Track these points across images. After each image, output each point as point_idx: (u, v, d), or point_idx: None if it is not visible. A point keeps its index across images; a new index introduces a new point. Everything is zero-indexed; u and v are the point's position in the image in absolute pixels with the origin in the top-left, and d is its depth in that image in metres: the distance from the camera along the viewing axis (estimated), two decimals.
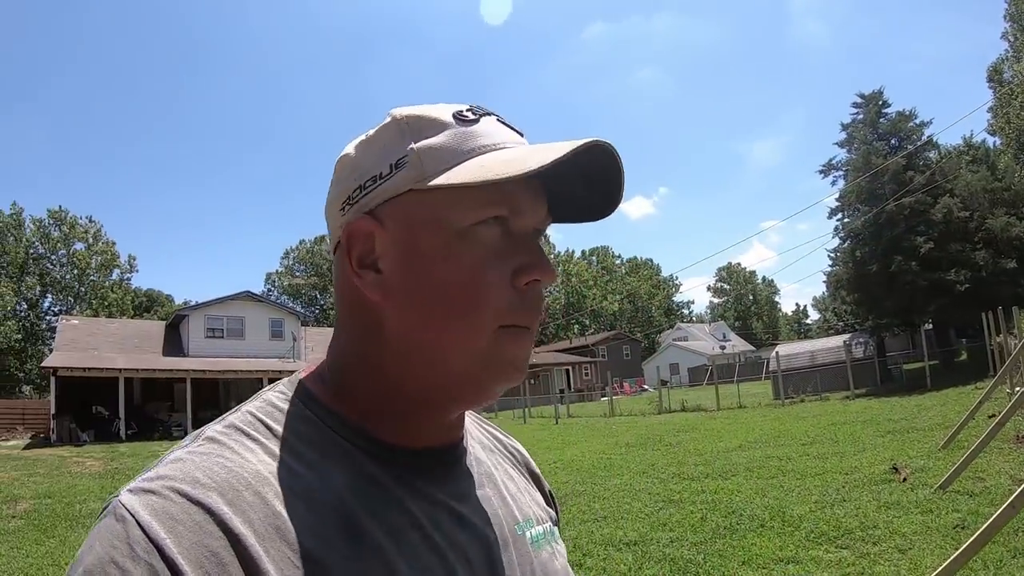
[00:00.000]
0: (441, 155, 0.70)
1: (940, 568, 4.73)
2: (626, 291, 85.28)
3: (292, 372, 0.80)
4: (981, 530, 4.73)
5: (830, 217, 33.30)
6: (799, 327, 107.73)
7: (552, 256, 79.33)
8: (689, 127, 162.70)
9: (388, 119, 0.75)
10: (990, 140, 43.20)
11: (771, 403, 25.73)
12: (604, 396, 43.40)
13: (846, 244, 31.78)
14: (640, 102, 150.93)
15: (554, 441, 18.91)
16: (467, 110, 0.74)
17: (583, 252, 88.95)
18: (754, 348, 78.08)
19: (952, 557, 4.72)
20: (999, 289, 25.88)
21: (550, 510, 0.96)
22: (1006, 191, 30.47)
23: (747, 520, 7.43)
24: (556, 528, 0.92)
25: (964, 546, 4.71)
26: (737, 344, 77.74)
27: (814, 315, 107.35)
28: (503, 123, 0.75)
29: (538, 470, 1.02)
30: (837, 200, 32.45)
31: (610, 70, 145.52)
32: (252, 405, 0.74)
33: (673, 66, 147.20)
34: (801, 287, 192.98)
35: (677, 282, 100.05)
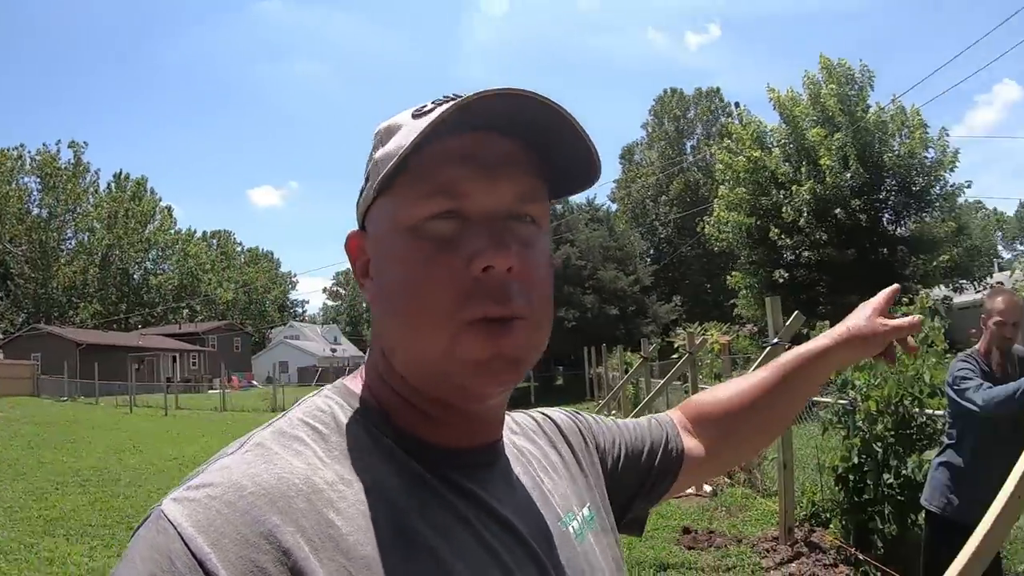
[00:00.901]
0: (388, 157, 0.70)
1: None
2: (243, 281, 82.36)
3: None
4: None
5: None
6: None
7: (173, 233, 74.67)
8: (333, 128, 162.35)
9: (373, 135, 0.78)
10: (611, 206, 49.63)
11: None
12: (213, 388, 41.88)
13: None
14: (293, 91, 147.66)
15: (168, 435, 18.12)
16: (431, 102, 0.73)
17: (204, 233, 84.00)
18: (363, 354, 78.63)
19: None
20: (601, 329, 30.77)
21: (588, 471, 0.95)
22: (619, 250, 35.96)
23: None
24: (589, 511, 0.89)
25: None
26: (348, 349, 79.18)
27: None
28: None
29: (570, 422, 1.01)
30: None
31: (279, 52, 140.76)
32: (299, 410, 0.73)
33: (339, 65, 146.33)
34: None
35: (295, 279, 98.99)
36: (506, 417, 0.86)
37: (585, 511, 0.87)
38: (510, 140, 0.70)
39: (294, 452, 0.65)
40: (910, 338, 1.15)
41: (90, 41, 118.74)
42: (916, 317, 1.17)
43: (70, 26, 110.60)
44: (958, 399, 3.59)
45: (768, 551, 5.99)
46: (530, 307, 0.69)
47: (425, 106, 0.72)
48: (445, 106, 0.67)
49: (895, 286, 1.24)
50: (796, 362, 1.13)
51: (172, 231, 74.50)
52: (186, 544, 0.55)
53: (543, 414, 1.00)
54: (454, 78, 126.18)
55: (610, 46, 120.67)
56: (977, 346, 3.81)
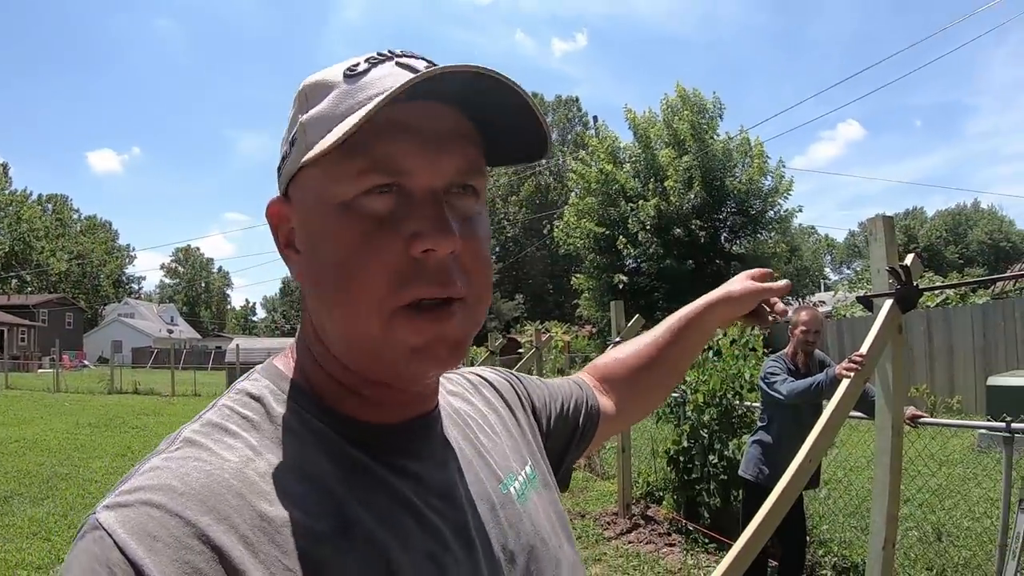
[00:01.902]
0: (320, 123, 0.65)
1: None
2: (78, 251, 75.94)
3: None
4: None
5: None
6: (246, 322, 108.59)
7: (7, 195, 67.72)
8: (184, 95, 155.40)
9: (297, 90, 0.71)
10: None
11: None
12: (42, 368, 39.39)
13: None
14: (146, 49, 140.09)
15: (4, 417, 16.81)
16: (365, 60, 0.68)
17: (39, 196, 75.19)
18: (200, 336, 76.25)
19: None
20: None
21: (526, 429, 0.95)
22: None
23: None
24: (531, 469, 0.89)
25: None
26: (184, 330, 76.01)
27: (262, 313, 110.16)
28: (404, 65, 0.66)
29: (504, 381, 1.01)
30: None
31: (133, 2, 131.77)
32: (227, 397, 0.70)
33: (195, 28, 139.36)
34: (250, 285, 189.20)
35: (133, 253, 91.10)
36: (440, 378, 0.83)
37: (528, 469, 0.87)
38: (450, 109, 0.66)
39: (225, 445, 0.64)
40: (779, 303, 1.25)
41: None
42: (785, 281, 1.28)
43: None
44: (768, 390, 4.57)
45: (609, 524, 6.76)
46: (469, 287, 0.66)
47: (358, 64, 0.67)
48: (389, 70, 0.66)
49: (787, 281, 1.29)
50: (682, 322, 1.25)
51: (6, 192, 68.40)
52: (122, 551, 0.54)
53: (477, 375, 0.99)
54: (316, 53, 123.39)
55: (477, 42, 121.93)
56: (786, 350, 4.79)
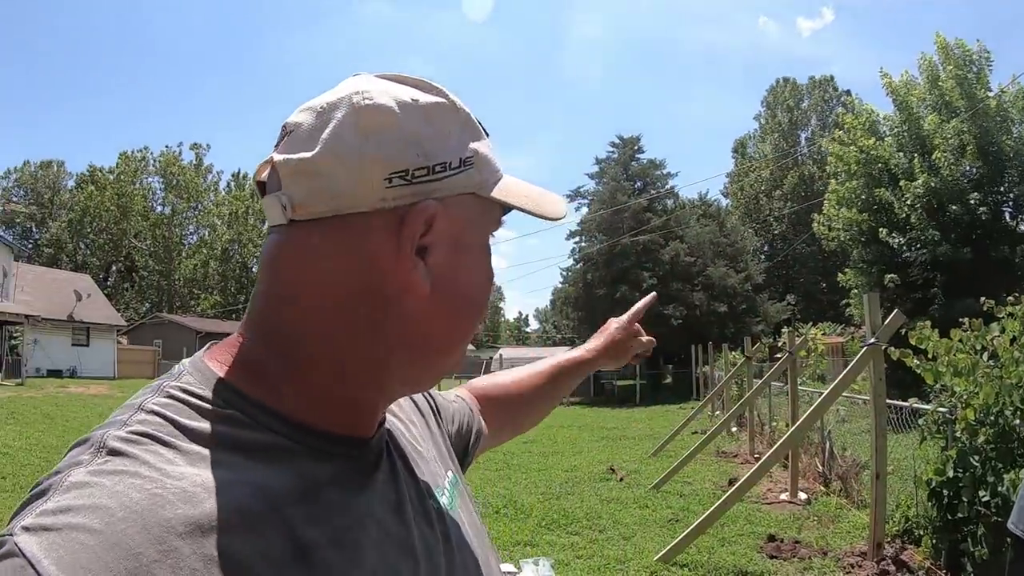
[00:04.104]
0: (488, 166, 0.70)
1: (664, 551, 5.57)
2: None
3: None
4: (699, 521, 5.77)
5: (568, 239, 36.26)
6: (519, 334, 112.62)
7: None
8: None
9: (439, 97, 0.69)
10: (723, 201, 48.70)
11: None
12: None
13: (579, 266, 35.25)
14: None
15: None
16: (468, 113, 0.73)
17: None
18: (474, 348, 79.78)
19: (674, 543, 5.59)
20: (709, 327, 30.41)
21: (438, 437, 0.95)
22: (729, 247, 35.16)
23: (483, 507, 7.80)
24: (452, 475, 0.89)
25: (685, 533, 5.64)
26: None
27: (535, 324, 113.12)
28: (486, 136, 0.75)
29: (419, 395, 0.99)
30: (578, 224, 35.78)
31: (384, 52, 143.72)
32: (155, 401, 0.61)
33: (443, 63, 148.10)
34: (522, 296, 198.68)
35: None
36: None
37: (450, 476, 0.87)
38: None
39: (162, 459, 0.55)
40: (636, 357, 1.43)
41: (207, 47, 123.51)
42: (650, 339, 1.44)
43: (188, 36, 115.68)
44: None
45: (853, 566, 5.64)
46: None
47: (471, 117, 0.71)
48: (488, 144, 0.72)
49: (653, 294, 1.52)
50: (568, 364, 1.35)
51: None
52: None
53: None
54: (561, 73, 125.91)
55: (719, 38, 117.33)
56: None
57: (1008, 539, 4.35)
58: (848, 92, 43.54)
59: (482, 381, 1.27)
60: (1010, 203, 22.24)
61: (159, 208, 68.43)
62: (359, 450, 0.69)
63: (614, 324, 1.42)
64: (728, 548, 6.26)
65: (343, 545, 0.61)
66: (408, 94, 0.66)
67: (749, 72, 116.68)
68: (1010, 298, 5.23)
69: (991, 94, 21.57)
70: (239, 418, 0.61)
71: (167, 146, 69.81)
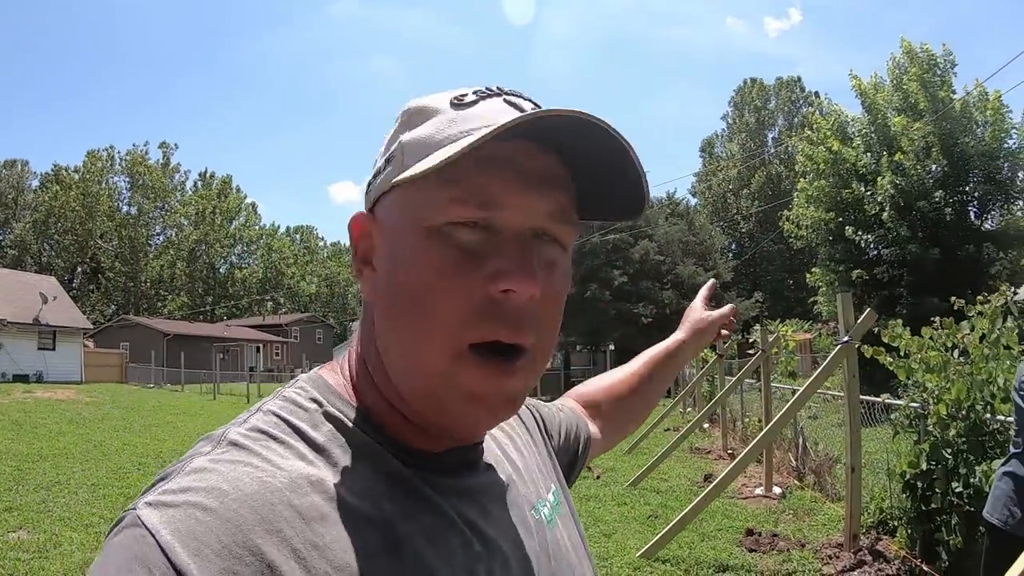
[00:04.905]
0: (418, 147, 0.65)
1: (646, 547, 5.67)
2: (326, 274, 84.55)
3: None
4: (679, 517, 5.89)
5: None
6: None
7: (258, 229, 77.15)
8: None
9: (408, 106, 0.71)
10: (692, 200, 49.20)
11: None
12: (294, 377, 43.23)
13: None
14: (369, 88, 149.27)
15: None
16: (473, 92, 0.68)
17: (288, 228, 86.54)
18: None
19: (655, 539, 5.69)
20: (679, 325, 30.05)
21: (543, 450, 0.95)
22: (698, 245, 35.51)
23: None
24: (555, 490, 0.88)
25: (666, 529, 5.73)
26: None
27: None
28: (511, 103, 0.67)
29: (539, 409, 1.03)
30: None
31: (354, 49, 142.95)
32: (273, 404, 0.67)
33: (411, 61, 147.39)
34: None
35: None
36: None
37: (553, 491, 0.87)
38: (548, 153, 0.64)
39: (275, 453, 0.61)
40: (724, 330, 1.44)
41: (177, 47, 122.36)
42: (731, 307, 1.47)
43: (156, 34, 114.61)
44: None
45: (831, 557, 5.78)
46: (538, 339, 0.65)
47: (465, 95, 0.67)
48: (497, 106, 0.66)
49: (713, 280, 1.52)
50: (661, 355, 1.34)
51: (257, 227, 76.65)
52: (165, 554, 0.51)
53: None
54: (529, 71, 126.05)
55: (688, 36, 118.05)
56: None
57: (982, 527, 4.55)
58: (816, 94, 44.27)
59: (584, 388, 1.28)
60: (975, 203, 22.66)
61: (125, 208, 67.95)
62: (444, 459, 0.71)
63: (691, 311, 1.43)
64: (708, 543, 6.38)
65: (435, 544, 0.63)
66: (397, 116, 0.72)
67: (717, 72, 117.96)
68: (979, 297, 5.39)
69: (955, 96, 21.93)
70: (343, 423, 0.66)
71: (134, 144, 69.51)
